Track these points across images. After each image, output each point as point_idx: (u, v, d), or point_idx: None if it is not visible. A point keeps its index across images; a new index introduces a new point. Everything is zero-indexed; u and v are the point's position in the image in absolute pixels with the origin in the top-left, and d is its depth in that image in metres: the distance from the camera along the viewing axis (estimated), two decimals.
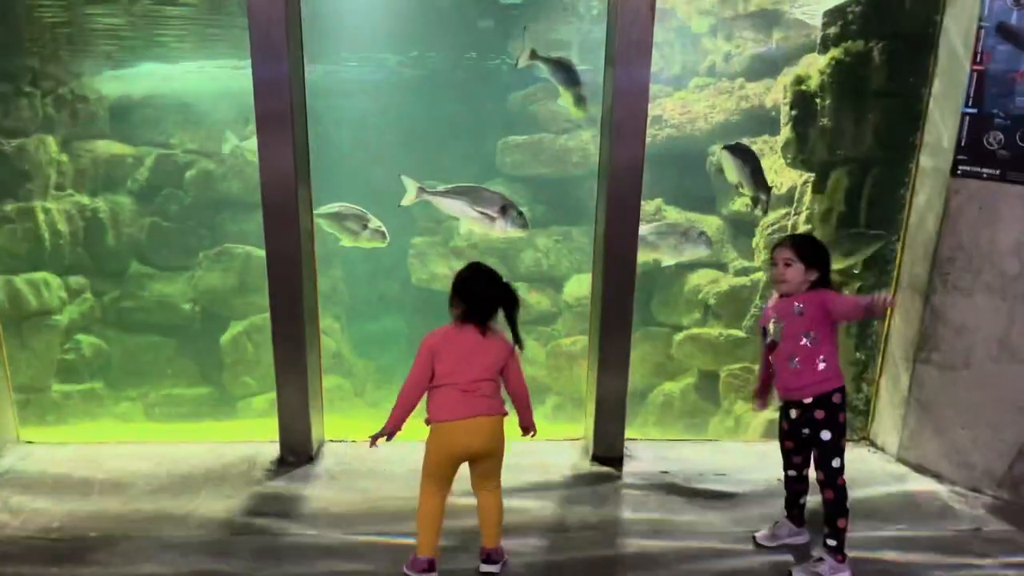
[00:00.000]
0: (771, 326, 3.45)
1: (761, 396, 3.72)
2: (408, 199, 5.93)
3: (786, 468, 3.66)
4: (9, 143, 7.88)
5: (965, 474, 4.38)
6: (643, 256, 5.40)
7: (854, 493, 4.26)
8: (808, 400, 3.37)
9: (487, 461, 3.27)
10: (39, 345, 8.17)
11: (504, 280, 3.26)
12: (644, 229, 5.84)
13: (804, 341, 3.34)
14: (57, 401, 8.33)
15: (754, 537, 3.73)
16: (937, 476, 4.48)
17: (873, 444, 4.99)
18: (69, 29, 8.64)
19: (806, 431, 3.43)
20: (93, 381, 8.72)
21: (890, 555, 3.66)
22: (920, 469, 4.57)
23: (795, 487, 3.68)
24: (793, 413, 3.47)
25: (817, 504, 3.52)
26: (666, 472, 4.49)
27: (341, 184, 9.08)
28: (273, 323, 4.37)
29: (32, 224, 8.14)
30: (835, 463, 3.36)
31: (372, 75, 10.82)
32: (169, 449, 4.76)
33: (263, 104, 4.07)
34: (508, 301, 3.24)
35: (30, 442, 4.77)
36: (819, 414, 3.36)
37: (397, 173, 6.03)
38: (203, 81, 10.25)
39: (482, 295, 3.22)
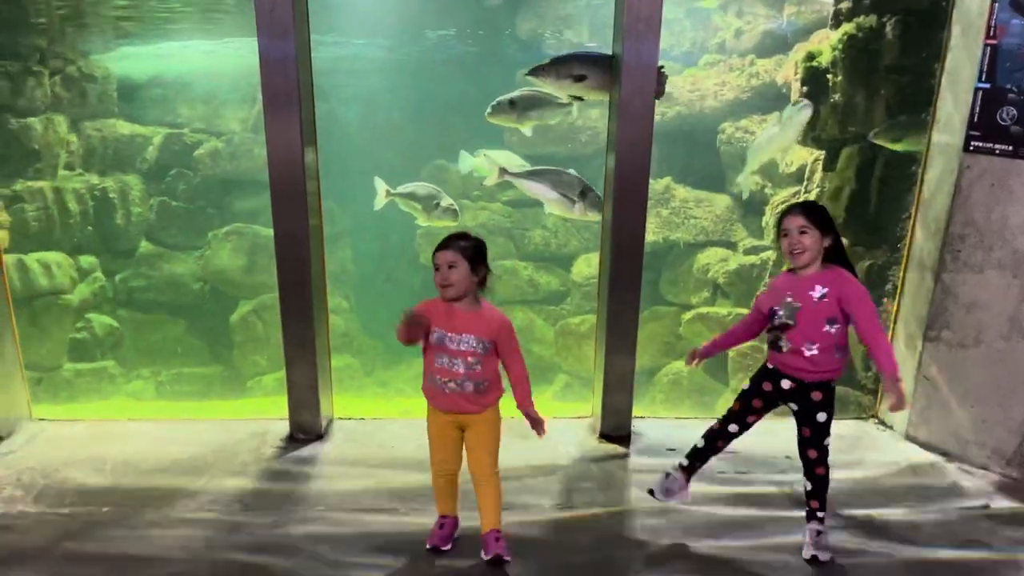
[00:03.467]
0: (783, 308, 3.24)
1: (702, 356, 3.56)
2: (491, 180, 5.84)
3: (728, 422, 3.50)
4: (18, 122, 7.90)
5: (974, 452, 4.38)
6: None
7: (863, 471, 4.29)
8: (810, 381, 3.27)
9: None
10: (51, 324, 8.24)
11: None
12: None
13: (828, 328, 3.17)
14: (69, 379, 8.42)
15: (651, 491, 3.66)
16: (945, 454, 4.47)
17: (882, 422, 4.99)
18: (77, 7, 8.62)
19: (795, 407, 3.33)
20: (104, 360, 8.80)
21: (898, 533, 3.66)
22: (928, 447, 4.56)
23: (720, 442, 3.53)
24: (785, 384, 3.33)
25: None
26: (673, 449, 4.49)
27: (349, 162, 9.08)
28: (282, 302, 4.38)
29: (42, 204, 8.18)
30: (826, 442, 3.33)
31: (380, 53, 10.77)
32: (180, 426, 4.80)
33: (269, 82, 4.05)
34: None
35: (43, 419, 4.82)
36: (817, 395, 3.27)
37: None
38: (212, 60, 10.23)
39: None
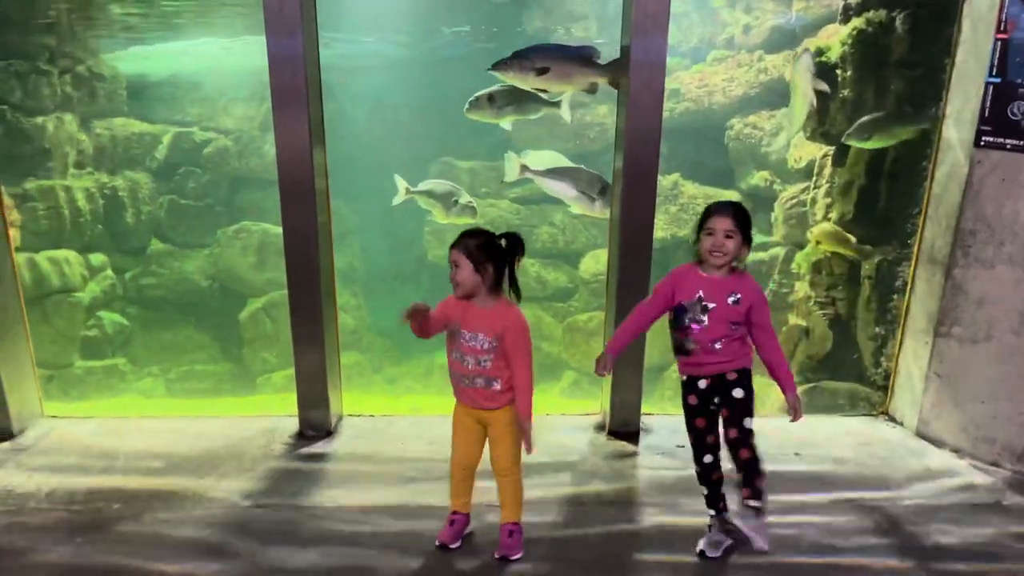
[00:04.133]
0: (695, 306, 3.16)
1: (614, 357, 3.31)
2: (511, 176, 5.86)
3: (700, 456, 3.33)
4: (29, 121, 7.94)
5: (985, 449, 4.36)
6: None
7: (872, 467, 4.28)
8: (725, 370, 3.21)
9: None
10: (62, 322, 8.28)
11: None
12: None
13: (732, 329, 3.16)
14: (80, 377, 8.45)
15: (702, 552, 3.39)
16: (956, 451, 4.45)
17: (892, 419, 4.97)
18: (86, 6, 8.65)
19: (716, 399, 3.25)
20: (115, 357, 8.83)
21: (910, 529, 3.66)
22: (939, 444, 4.55)
23: (714, 475, 3.37)
24: (702, 384, 3.25)
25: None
26: (682, 446, 4.48)
27: (357, 160, 9.09)
28: (291, 299, 4.39)
29: (53, 202, 8.21)
30: (747, 423, 3.20)
31: (387, 51, 10.77)
32: (190, 423, 4.82)
33: (277, 80, 4.06)
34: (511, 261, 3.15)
35: (54, 417, 4.85)
36: (732, 376, 3.21)
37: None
38: (221, 58, 10.25)
39: (504, 259, 3.14)
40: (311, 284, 4.35)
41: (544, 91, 4.78)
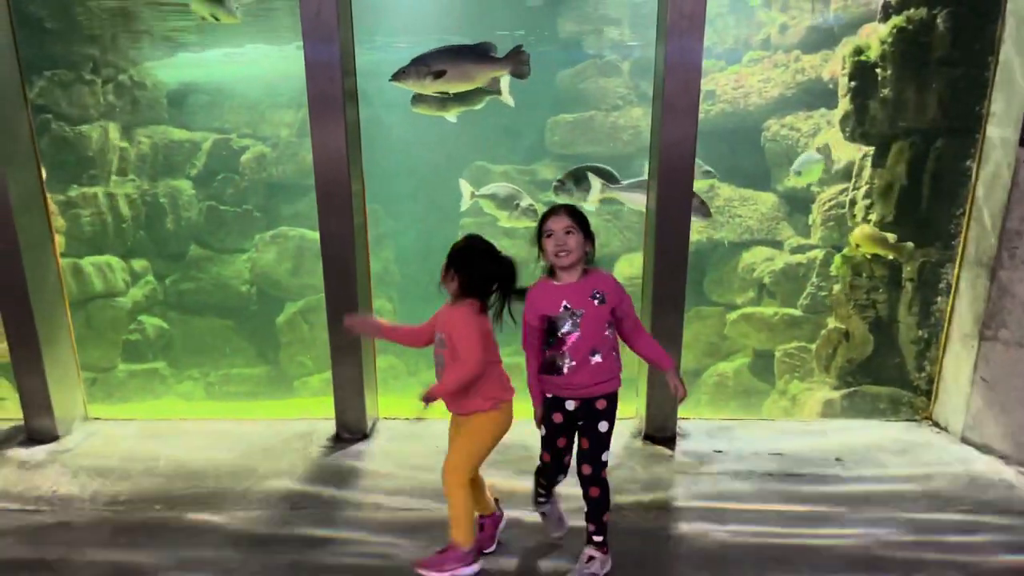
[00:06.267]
0: (565, 317, 3.03)
1: (539, 408, 3.19)
2: (593, 200, 5.87)
3: (554, 474, 3.30)
4: (73, 130, 8.13)
5: None
6: None
7: (917, 474, 4.19)
8: (597, 394, 3.09)
9: None
10: (105, 326, 8.47)
11: (502, 254, 3.12)
12: None
13: (607, 332, 3.05)
14: (123, 380, 8.63)
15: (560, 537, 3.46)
16: (1004, 457, 4.34)
17: (936, 424, 4.86)
18: (127, 16, 8.84)
19: (581, 422, 3.13)
20: (156, 361, 9.00)
21: (954, 538, 3.57)
22: (986, 450, 4.44)
23: (554, 488, 3.40)
24: (571, 405, 3.11)
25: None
26: (720, 451, 4.44)
27: (392, 164, 9.14)
28: (328, 303, 4.43)
29: (96, 209, 8.40)
30: (604, 456, 3.11)
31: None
32: (229, 426, 4.89)
33: (315, 86, 4.10)
34: (510, 276, 3.11)
35: (97, 419, 4.95)
36: (601, 404, 3.09)
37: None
38: (259, 65, 10.40)
39: (488, 270, 3.10)
40: (348, 288, 4.38)
41: (447, 94, 4.85)
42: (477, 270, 3.08)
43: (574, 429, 3.18)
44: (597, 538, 3.21)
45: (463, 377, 3.04)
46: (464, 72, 4.49)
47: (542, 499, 3.44)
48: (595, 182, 5.71)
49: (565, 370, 3.05)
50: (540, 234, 3.07)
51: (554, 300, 3.05)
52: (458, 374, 3.04)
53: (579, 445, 3.15)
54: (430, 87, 4.61)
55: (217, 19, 5.12)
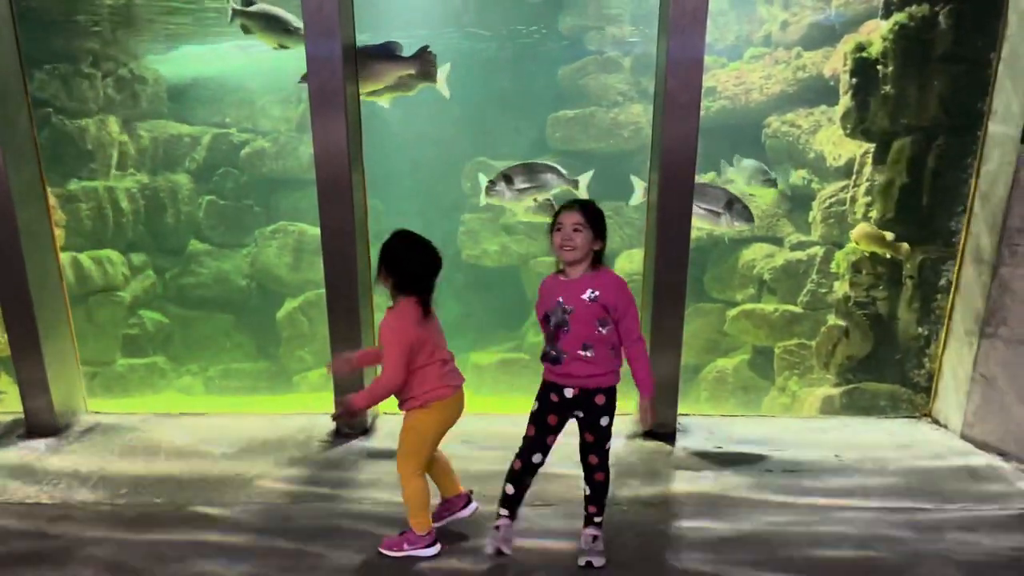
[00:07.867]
0: (555, 313, 3.10)
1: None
2: (637, 199, 6.03)
3: (530, 454, 3.24)
4: (73, 123, 8.12)
5: None
6: None
7: (916, 470, 4.19)
8: (594, 386, 3.13)
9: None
10: (105, 320, 8.46)
11: (432, 245, 3.14)
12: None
13: (599, 329, 3.08)
14: (122, 374, 8.63)
15: (499, 550, 3.32)
16: (1003, 454, 4.35)
17: (936, 421, 4.87)
18: (128, 10, 8.82)
19: (580, 414, 3.18)
20: (155, 355, 9.00)
21: (953, 534, 3.58)
22: (985, 447, 4.44)
23: (529, 479, 3.29)
24: (569, 392, 3.15)
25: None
26: (720, 447, 4.45)
27: (392, 159, 9.13)
28: (328, 298, 4.43)
29: (96, 203, 8.39)
30: (608, 445, 3.21)
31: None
32: (229, 420, 4.89)
33: (316, 80, 4.10)
34: (437, 268, 3.15)
35: (98, 413, 4.95)
36: (600, 399, 3.14)
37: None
38: (260, 60, 10.37)
39: (426, 266, 3.12)
40: (349, 283, 4.38)
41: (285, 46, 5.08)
42: (406, 266, 3.10)
43: (568, 415, 3.23)
44: (598, 519, 3.33)
45: (378, 393, 3.16)
46: (372, 72, 4.58)
47: (505, 513, 3.37)
48: (638, 185, 5.86)
49: (561, 360, 3.13)
50: (552, 227, 3.13)
51: (553, 295, 3.14)
52: (374, 389, 3.15)
53: (583, 439, 3.23)
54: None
55: (286, 47, 5.23)
